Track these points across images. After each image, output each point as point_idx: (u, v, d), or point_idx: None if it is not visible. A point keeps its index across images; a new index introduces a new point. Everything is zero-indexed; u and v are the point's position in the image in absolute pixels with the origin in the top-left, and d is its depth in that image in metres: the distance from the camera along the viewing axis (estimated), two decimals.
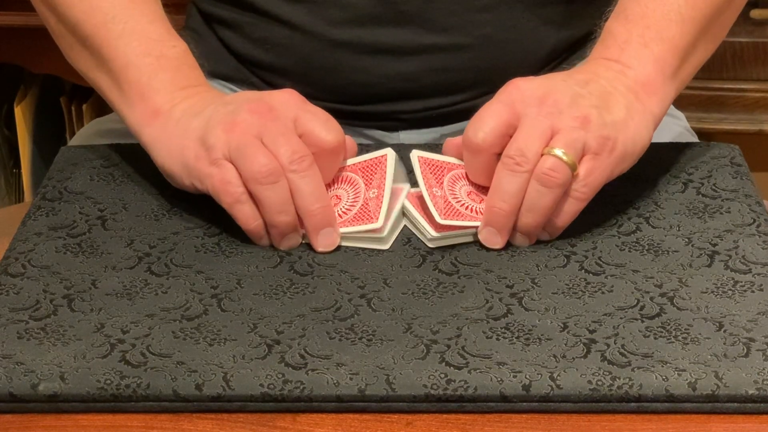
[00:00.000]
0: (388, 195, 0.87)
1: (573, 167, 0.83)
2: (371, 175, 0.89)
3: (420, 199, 0.88)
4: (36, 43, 1.83)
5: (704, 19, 0.92)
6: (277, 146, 0.84)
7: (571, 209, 0.85)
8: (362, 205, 0.87)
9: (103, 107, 1.94)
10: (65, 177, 0.94)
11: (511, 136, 0.84)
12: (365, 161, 0.90)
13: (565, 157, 0.83)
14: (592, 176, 0.84)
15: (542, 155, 0.83)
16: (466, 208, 0.87)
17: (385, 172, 0.88)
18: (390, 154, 0.90)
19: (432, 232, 0.85)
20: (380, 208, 0.86)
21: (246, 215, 0.84)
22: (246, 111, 0.85)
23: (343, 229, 0.86)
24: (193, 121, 0.87)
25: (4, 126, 1.96)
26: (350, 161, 0.90)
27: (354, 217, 0.86)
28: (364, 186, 0.88)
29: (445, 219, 0.85)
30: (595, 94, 0.86)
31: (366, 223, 0.85)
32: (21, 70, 1.91)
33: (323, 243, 0.85)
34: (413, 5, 1.01)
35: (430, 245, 0.85)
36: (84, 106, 1.90)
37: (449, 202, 0.86)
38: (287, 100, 0.87)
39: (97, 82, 0.95)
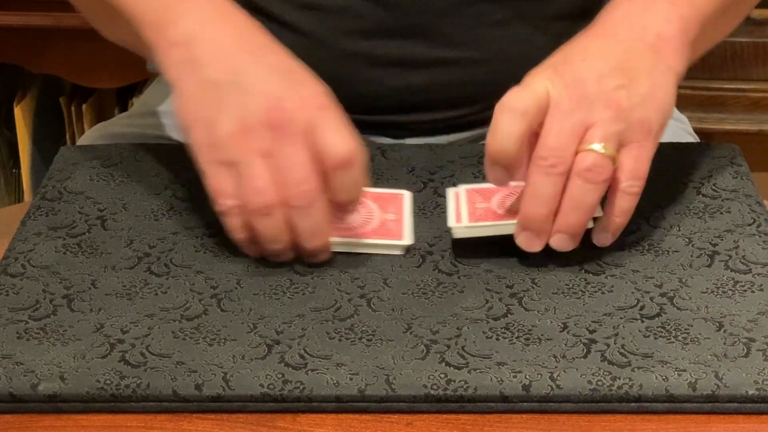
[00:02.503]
0: (409, 218, 0.87)
1: (614, 160, 0.81)
2: (387, 203, 0.88)
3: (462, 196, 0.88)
4: (36, 43, 1.84)
5: None
6: (283, 173, 0.80)
7: (630, 205, 0.82)
8: (380, 222, 0.86)
9: (102, 107, 1.94)
10: (65, 177, 0.94)
11: (537, 132, 0.81)
12: (380, 193, 0.89)
13: (604, 151, 0.80)
14: (640, 167, 0.82)
15: (579, 152, 0.80)
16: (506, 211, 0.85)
17: (403, 204, 0.88)
18: (407, 194, 0.89)
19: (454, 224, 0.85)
20: (402, 228, 0.86)
21: (231, 227, 0.82)
22: (261, 117, 0.81)
23: (365, 240, 0.84)
24: (207, 87, 0.83)
25: (4, 126, 1.96)
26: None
27: (373, 231, 0.85)
28: (379, 209, 0.88)
29: (472, 222, 0.84)
30: (618, 68, 0.83)
31: (391, 239, 0.85)
32: (21, 70, 1.91)
33: (314, 260, 0.84)
34: (424, 18, 1.00)
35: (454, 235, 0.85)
36: (84, 106, 1.90)
37: (491, 209, 0.85)
38: (309, 108, 0.82)
39: (130, 40, 0.92)
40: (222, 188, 0.82)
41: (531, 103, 0.81)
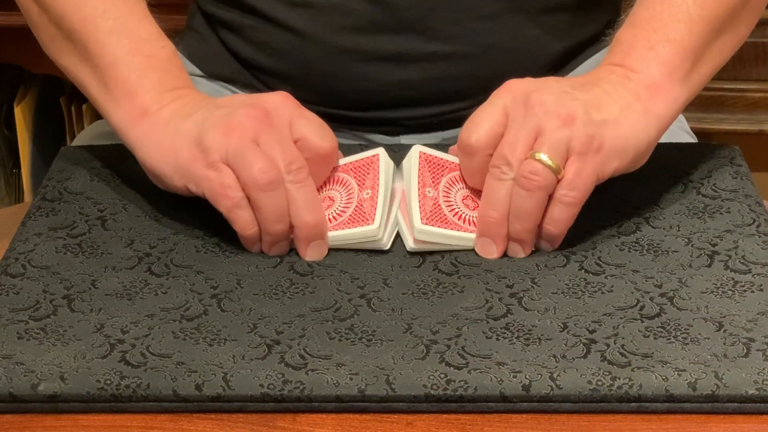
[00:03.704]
0: (383, 195, 0.87)
1: (556, 170, 0.82)
2: (364, 175, 0.89)
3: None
4: (36, 43, 1.83)
5: (716, 19, 0.90)
6: (274, 153, 0.83)
7: (562, 215, 0.83)
8: (356, 206, 0.87)
9: None
10: (65, 177, 0.94)
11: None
12: (357, 161, 0.90)
13: (548, 161, 0.82)
14: (579, 179, 0.83)
15: (525, 159, 0.82)
16: (456, 215, 0.86)
17: (378, 173, 0.88)
18: (381, 153, 0.89)
19: (410, 243, 0.85)
20: (375, 208, 0.86)
21: (245, 221, 0.84)
22: (242, 114, 0.85)
23: (339, 233, 0.85)
24: (185, 122, 0.86)
25: (4, 126, 1.96)
26: (341, 161, 0.90)
27: (349, 219, 0.86)
28: (357, 187, 0.88)
29: (426, 224, 0.84)
30: (588, 94, 0.85)
31: (362, 225, 0.85)
32: (21, 70, 1.91)
33: (312, 254, 0.84)
34: (415, 13, 1.00)
35: (408, 249, 0.85)
36: (84, 107, 1.90)
37: (439, 205, 0.86)
38: (282, 105, 0.86)
39: (80, 77, 0.94)
40: (226, 182, 0.83)
41: (479, 141, 0.85)
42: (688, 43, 0.89)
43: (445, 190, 0.87)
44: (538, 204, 0.83)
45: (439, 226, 0.85)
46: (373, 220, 0.85)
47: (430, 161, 0.89)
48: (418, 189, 0.87)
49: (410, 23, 1.01)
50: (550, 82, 0.86)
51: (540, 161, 0.82)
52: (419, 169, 0.88)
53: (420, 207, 0.85)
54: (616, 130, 0.84)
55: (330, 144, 0.86)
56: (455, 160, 0.89)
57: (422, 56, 1.02)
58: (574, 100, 0.84)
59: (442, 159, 0.89)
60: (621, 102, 0.86)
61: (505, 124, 0.84)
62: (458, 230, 0.85)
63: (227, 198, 0.83)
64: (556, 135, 0.82)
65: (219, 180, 0.83)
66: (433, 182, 0.87)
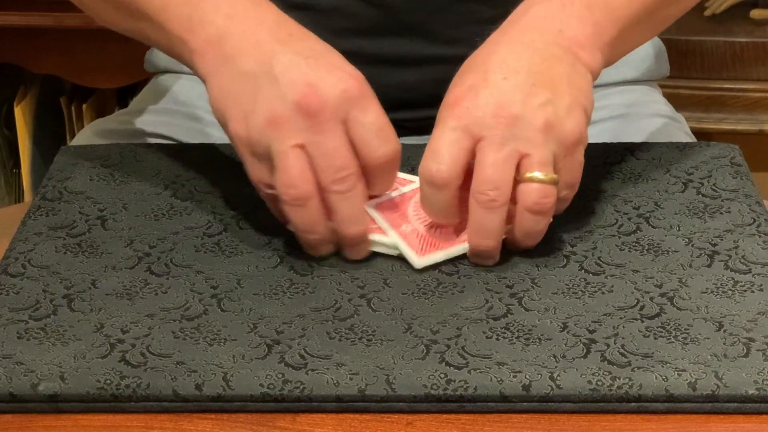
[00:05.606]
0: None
1: (555, 182, 0.81)
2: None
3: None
4: (36, 43, 1.84)
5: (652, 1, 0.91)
6: (320, 160, 0.80)
7: (560, 207, 0.84)
8: (412, 230, 0.85)
9: (102, 107, 1.94)
10: (65, 177, 0.94)
11: (471, 163, 0.81)
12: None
13: (546, 178, 0.80)
14: (574, 175, 0.83)
15: (520, 182, 0.81)
16: (441, 231, 0.85)
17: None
18: None
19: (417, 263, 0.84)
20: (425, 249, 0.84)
21: (276, 214, 0.84)
22: (295, 105, 0.80)
23: (386, 239, 0.84)
24: (241, 79, 0.83)
25: (4, 126, 1.96)
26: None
27: (403, 233, 0.85)
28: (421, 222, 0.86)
29: (423, 256, 0.83)
30: (540, 81, 0.83)
31: (410, 249, 0.84)
32: (21, 70, 1.91)
33: (353, 254, 0.83)
34: (416, 16, 1.00)
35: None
36: (84, 106, 1.90)
37: (421, 234, 0.85)
38: (343, 96, 0.81)
39: (144, 33, 0.92)
40: (261, 178, 0.83)
41: (449, 172, 0.81)
42: (622, 13, 0.88)
43: (417, 215, 0.86)
44: (549, 221, 0.82)
45: (435, 251, 0.84)
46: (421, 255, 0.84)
47: (382, 206, 0.86)
48: (396, 232, 0.85)
49: (411, 26, 1.01)
50: (499, 84, 0.83)
51: (541, 181, 0.80)
52: (383, 218, 0.86)
53: (408, 245, 0.84)
54: (580, 108, 0.83)
55: (384, 152, 0.82)
56: (406, 180, 0.88)
57: (423, 59, 1.02)
58: (537, 100, 0.82)
59: (390, 198, 0.87)
60: (564, 69, 0.84)
61: (471, 149, 0.81)
62: (453, 245, 0.84)
63: (261, 192, 0.84)
64: (543, 151, 0.81)
65: (256, 174, 0.83)
66: (401, 219, 0.86)
